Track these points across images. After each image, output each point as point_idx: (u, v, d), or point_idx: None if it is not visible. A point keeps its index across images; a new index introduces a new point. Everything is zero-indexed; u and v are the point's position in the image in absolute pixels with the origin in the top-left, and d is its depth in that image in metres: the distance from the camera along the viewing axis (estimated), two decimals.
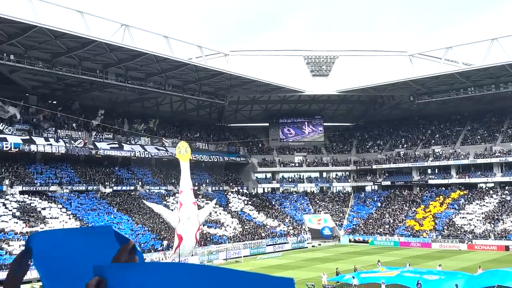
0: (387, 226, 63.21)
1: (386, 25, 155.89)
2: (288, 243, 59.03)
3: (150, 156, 62.50)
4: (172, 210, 51.80)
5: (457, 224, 59.53)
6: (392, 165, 72.77)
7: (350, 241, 62.06)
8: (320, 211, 69.97)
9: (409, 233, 60.48)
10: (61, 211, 49.77)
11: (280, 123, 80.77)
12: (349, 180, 77.35)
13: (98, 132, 59.28)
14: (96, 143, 57.59)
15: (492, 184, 65.98)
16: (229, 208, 64.74)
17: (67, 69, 49.80)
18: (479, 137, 70.15)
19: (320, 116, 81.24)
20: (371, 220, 66.01)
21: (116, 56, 50.58)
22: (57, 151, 53.38)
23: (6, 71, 50.12)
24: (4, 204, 46.96)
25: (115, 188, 58.18)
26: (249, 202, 68.34)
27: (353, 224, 66.50)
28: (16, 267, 1.76)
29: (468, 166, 67.43)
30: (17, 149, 49.88)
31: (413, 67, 67.55)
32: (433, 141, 73.64)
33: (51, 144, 52.93)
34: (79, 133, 57.10)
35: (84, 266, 1.58)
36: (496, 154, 64.70)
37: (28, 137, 51.67)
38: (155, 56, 51.41)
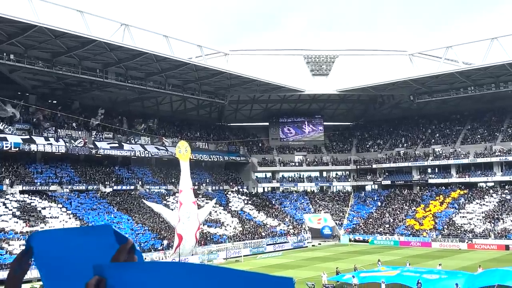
0: (387, 226, 63.22)
1: (386, 25, 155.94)
2: (288, 242, 59.03)
3: (150, 155, 62.51)
4: (172, 209, 51.79)
5: (457, 224, 59.54)
6: (392, 165, 72.79)
7: (350, 240, 62.06)
8: (320, 210, 69.99)
9: (409, 233, 60.50)
10: (61, 210, 49.79)
11: (280, 123, 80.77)
12: (349, 180, 77.36)
13: (98, 131, 59.28)
14: (96, 143, 57.62)
15: (492, 184, 65.98)
16: (229, 207, 64.75)
17: (67, 69, 49.80)
18: (479, 136, 70.16)
19: (320, 116, 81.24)
20: (371, 220, 66.02)
21: (116, 55, 50.59)
22: (57, 151, 53.39)
23: (6, 70, 50.12)
24: (4, 204, 46.98)
25: (115, 187, 58.20)
26: (249, 202, 68.36)
27: (353, 224, 66.52)
28: (17, 266, 1.77)
29: (468, 165, 67.43)
30: (17, 149, 49.89)
31: (413, 66, 67.59)
32: (433, 141, 73.65)
33: (51, 144, 52.94)
34: (79, 132, 57.11)
35: (84, 266, 1.58)
36: (496, 154, 64.70)
37: (28, 136, 51.68)
38: (155, 56, 51.39)
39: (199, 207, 51.16)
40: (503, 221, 57.55)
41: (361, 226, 65.12)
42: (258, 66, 71.37)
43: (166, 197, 60.69)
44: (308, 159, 77.98)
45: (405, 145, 75.53)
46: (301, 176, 77.41)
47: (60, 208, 50.16)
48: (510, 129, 68.39)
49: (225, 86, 64.19)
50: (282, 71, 75.81)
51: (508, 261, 41.27)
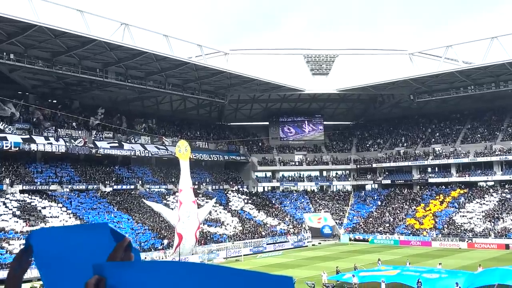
0: (387, 225, 63.23)
1: (386, 24, 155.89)
2: (288, 241, 59.05)
3: (150, 155, 62.52)
4: (172, 209, 51.81)
5: (457, 223, 59.55)
6: (392, 164, 72.80)
7: (350, 239, 62.07)
8: (320, 209, 70.00)
9: (409, 232, 60.50)
10: (61, 210, 49.81)
11: (280, 122, 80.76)
12: (349, 179, 77.37)
13: (98, 131, 59.28)
14: (96, 142, 57.63)
15: (492, 183, 65.97)
16: (229, 207, 64.77)
17: (67, 68, 49.81)
18: (479, 135, 70.16)
19: (320, 115, 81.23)
20: (371, 219, 66.03)
21: (116, 55, 50.59)
22: (57, 150, 53.39)
23: (6, 70, 50.13)
24: (4, 203, 47.00)
25: (115, 187, 58.22)
26: (249, 201, 68.38)
27: (353, 223, 66.52)
28: (17, 265, 1.77)
29: (468, 164, 67.43)
30: (17, 148, 49.89)
31: (413, 65, 67.55)
32: (433, 140, 73.65)
33: (51, 143, 52.95)
34: (79, 132, 57.12)
35: (82, 264, 1.58)
36: (496, 153, 64.70)
37: (28, 136, 51.68)
38: (155, 55, 51.38)
39: (199, 206, 51.19)
40: (503, 220, 57.56)
41: (361, 225, 65.12)
42: (258, 66, 71.25)
43: (166, 197, 60.71)
44: (308, 159, 77.99)
45: (405, 144, 75.54)
46: (301, 176, 77.42)
47: (60, 207, 50.18)
48: (510, 128, 68.38)
49: (225, 85, 64.18)
50: (282, 71, 75.77)
51: (508, 260, 41.25)
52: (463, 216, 60.64)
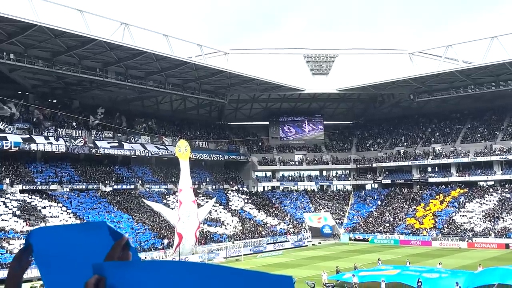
0: (387, 225, 63.23)
1: (386, 24, 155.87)
2: (288, 241, 59.05)
3: (150, 154, 62.52)
4: (172, 208, 51.82)
5: (457, 222, 59.54)
6: (392, 163, 72.80)
7: (350, 239, 62.07)
8: (320, 209, 70.01)
9: (409, 231, 60.50)
10: (61, 209, 49.82)
11: (280, 122, 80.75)
12: (349, 179, 77.37)
13: (98, 131, 59.28)
14: (96, 142, 57.63)
15: (492, 182, 65.96)
16: (229, 206, 64.77)
17: (67, 68, 49.82)
18: (479, 135, 70.15)
19: (320, 115, 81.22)
20: (371, 219, 66.03)
21: (116, 54, 50.58)
22: (57, 150, 53.39)
23: (6, 70, 50.13)
24: (4, 203, 47.01)
25: (115, 186, 58.22)
26: (249, 201, 68.38)
27: (353, 223, 66.52)
28: (17, 265, 1.76)
29: (468, 164, 67.43)
30: (17, 148, 49.89)
31: (413, 65, 67.56)
32: (433, 139, 73.65)
33: (51, 143, 52.95)
34: (79, 132, 57.12)
35: (81, 262, 1.58)
36: (496, 152, 64.70)
37: (28, 136, 51.67)
38: (155, 55, 51.38)
39: (199, 206, 51.19)
40: (503, 220, 57.56)
41: (361, 225, 65.12)
42: (258, 65, 71.17)
43: (166, 196, 60.71)
44: (308, 158, 78.00)
45: (405, 144, 75.54)
46: (301, 175, 77.43)
47: (60, 207, 50.19)
48: (510, 128, 68.37)
49: (225, 85, 64.18)
50: (282, 70, 75.70)
51: (508, 259, 41.26)
52: (463, 215, 60.64)
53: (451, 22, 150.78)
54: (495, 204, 61.30)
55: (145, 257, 43.89)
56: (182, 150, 47.91)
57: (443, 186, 68.41)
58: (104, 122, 60.11)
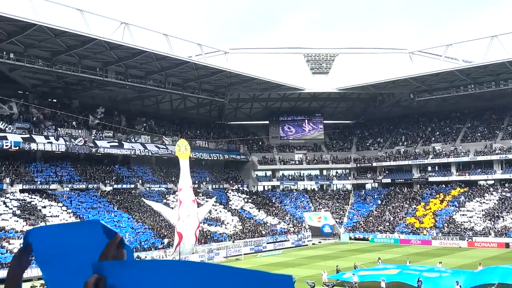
0: (387, 224, 63.24)
1: (386, 23, 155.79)
2: (288, 241, 59.06)
3: (150, 154, 62.52)
4: (172, 208, 51.84)
5: (457, 222, 59.56)
6: (392, 163, 72.80)
7: (350, 238, 62.09)
8: (320, 208, 70.02)
9: (409, 231, 60.51)
10: (61, 209, 49.83)
11: (280, 121, 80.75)
12: (349, 178, 77.38)
13: (98, 130, 59.27)
14: (96, 141, 57.62)
15: (492, 182, 65.99)
16: (229, 206, 64.77)
17: (67, 67, 49.80)
18: (479, 134, 70.16)
19: (320, 114, 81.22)
20: (371, 218, 66.04)
21: (116, 54, 50.57)
22: (57, 150, 53.38)
23: (6, 69, 50.13)
24: (4, 203, 47.02)
25: (115, 186, 58.24)
26: (249, 200, 68.39)
27: (353, 222, 66.52)
28: (16, 264, 1.76)
29: (468, 163, 67.43)
30: (17, 148, 49.88)
31: (413, 64, 67.54)
32: (433, 139, 73.66)
33: (51, 143, 52.93)
34: (79, 131, 57.11)
35: (78, 261, 1.58)
36: (496, 152, 64.71)
37: (28, 135, 51.66)
38: (155, 54, 51.36)
39: (199, 205, 51.19)
40: (503, 219, 57.58)
41: (361, 224, 65.13)
42: (258, 65, 71.12)
43: (166, 196, 60.72)
44: (308, 158, 78.01)
45: (405, 143, 75.54)
46: (301, 175, 77.44)
47: (60, 207, 50.20)
48: (510, 127, 68.38)
49: (225, 84, 64.17)
50: (282, 70, 75.53)
51: (508, 259, 41.29)
52: (463, 215, 60.65)
53: (451, 22, 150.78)
54: (495, 203, 61.31)
55: (145, 257, 43.91)
56: (182, 150, 47.91)
57: (443, 185, 68.42)
58: (104, 122, 60.10)
